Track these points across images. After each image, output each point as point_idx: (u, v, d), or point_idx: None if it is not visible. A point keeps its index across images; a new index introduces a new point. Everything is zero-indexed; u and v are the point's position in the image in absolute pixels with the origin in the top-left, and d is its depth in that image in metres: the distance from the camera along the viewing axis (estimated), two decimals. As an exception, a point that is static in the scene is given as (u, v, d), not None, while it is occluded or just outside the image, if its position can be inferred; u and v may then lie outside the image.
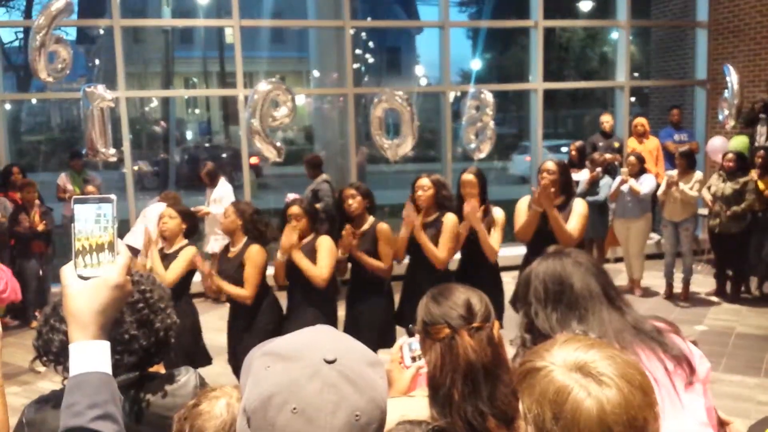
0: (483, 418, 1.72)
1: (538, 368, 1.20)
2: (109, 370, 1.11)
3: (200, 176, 8.90)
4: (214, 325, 5.09)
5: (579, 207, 5.01)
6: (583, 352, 1.20)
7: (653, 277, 8.51)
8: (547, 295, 2.05)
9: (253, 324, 4.65)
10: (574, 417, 1.12)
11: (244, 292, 4.52)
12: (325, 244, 4.63)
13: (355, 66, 9.54)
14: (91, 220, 1.06)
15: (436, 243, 4.82)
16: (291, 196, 7.67)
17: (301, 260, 4.53)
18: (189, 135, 26.08)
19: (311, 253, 4.62)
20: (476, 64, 25.56)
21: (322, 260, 4.56)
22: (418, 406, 1.81)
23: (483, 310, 1.84)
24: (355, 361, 1.05)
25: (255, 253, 4.57)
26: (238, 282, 4.56)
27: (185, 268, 4.56)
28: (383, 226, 4.91)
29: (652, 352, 1.90)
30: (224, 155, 16.57)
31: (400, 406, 1.83)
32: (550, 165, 5.11)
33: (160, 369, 2.13)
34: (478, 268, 4.99)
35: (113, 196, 1.05)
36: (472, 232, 4.94)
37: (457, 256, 5.17)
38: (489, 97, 8.30)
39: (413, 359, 2.10)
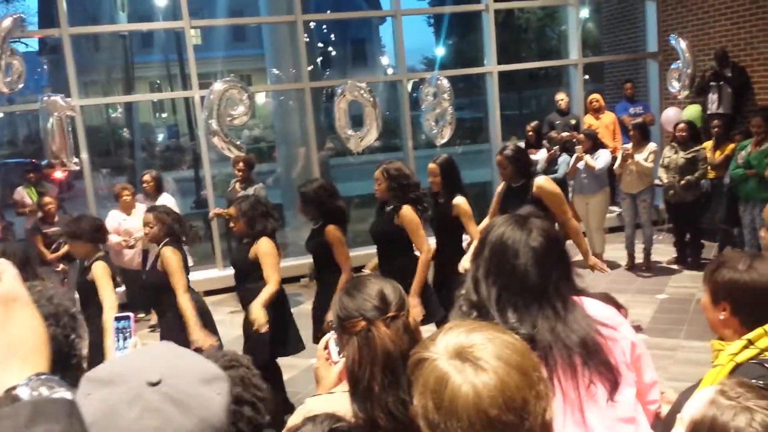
0: (404, 406, 1.71)
1: (424, 359, 1.18)
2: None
3: (142, 184, 7.65)
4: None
5: (548, 187, 5.05)
6: (465, 337, 1.17)
7: (616, 249, 8.61)
8: (491, 264, 1.92)
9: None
10: (452, 404, 1.10)
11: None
12: (263, 250, 4.64)
13: (319, 59, 9.50)
14: None
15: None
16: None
17: (261, 304, 4.46)
18: (159, 139, 25.85)
19: (249, 258, 4.68)
20: (440, 51, 25.61)
21: (268, 270, 4.59)
22: (338, 402, 1.80)
23: (397, 299, 1.83)
24: (185, 380, 1.00)
25: (171, 253, 4.52)
26: (160, 282, 4.54)
27: (109, 283, 4.40)
28: (331, 229, 4.83)
29: (570, 367, 1.81)
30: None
31: (320, 404, 1.82)
32: (499, 159, 5.23)
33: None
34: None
35: None
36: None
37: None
38: (445, 83, 8.41)
39: (341, 354, 2.14)
